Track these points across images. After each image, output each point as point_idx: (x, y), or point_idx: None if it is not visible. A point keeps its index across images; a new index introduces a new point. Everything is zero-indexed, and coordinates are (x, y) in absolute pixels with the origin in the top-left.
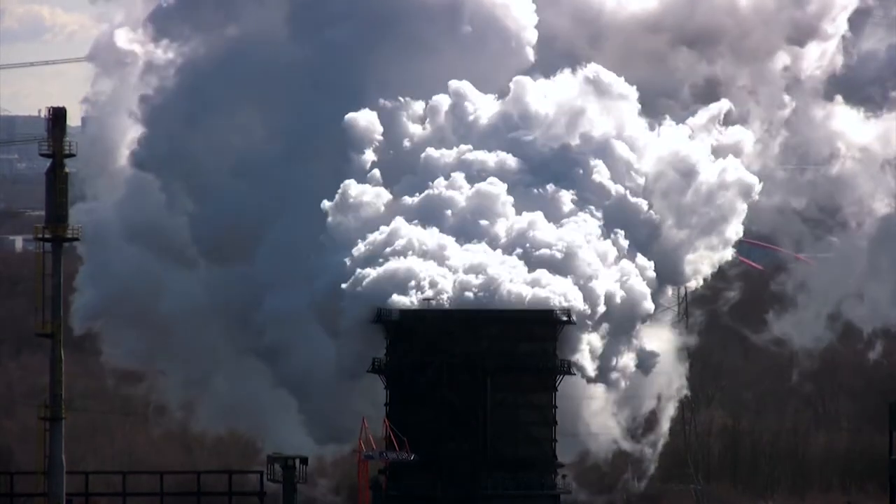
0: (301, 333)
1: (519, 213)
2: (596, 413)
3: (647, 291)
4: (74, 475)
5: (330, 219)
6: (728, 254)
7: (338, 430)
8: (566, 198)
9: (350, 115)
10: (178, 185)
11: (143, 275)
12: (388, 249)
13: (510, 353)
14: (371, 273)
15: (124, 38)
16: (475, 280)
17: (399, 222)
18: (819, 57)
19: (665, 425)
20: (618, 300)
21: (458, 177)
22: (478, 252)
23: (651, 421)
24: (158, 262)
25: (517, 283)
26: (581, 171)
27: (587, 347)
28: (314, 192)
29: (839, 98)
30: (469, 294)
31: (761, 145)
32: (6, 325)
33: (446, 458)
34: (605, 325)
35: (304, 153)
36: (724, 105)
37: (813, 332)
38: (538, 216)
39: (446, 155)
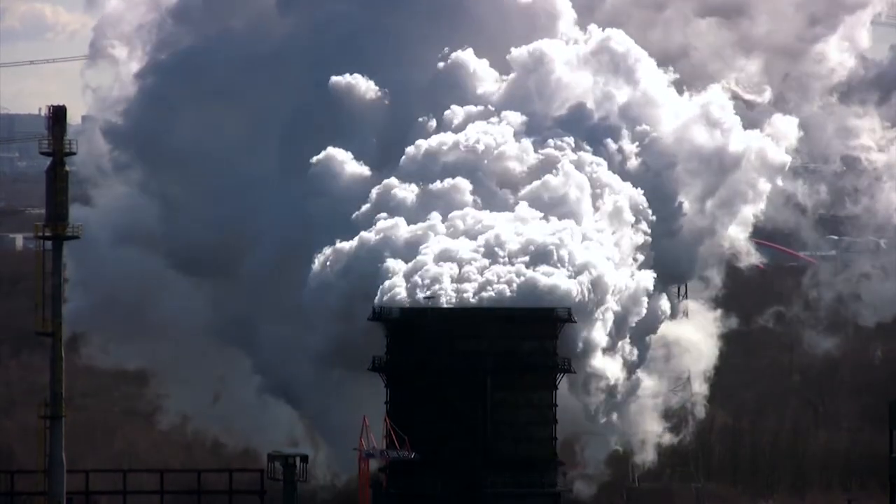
0: (298, 356)
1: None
2: (638, 410)
3: (667, 309)
4: (75, 473)
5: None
6: (743, 238)
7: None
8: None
9: (338, 79)
10: (149, 195)
11: (133, 281)
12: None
13: (510, 352)
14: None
15: (110, 40)
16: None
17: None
18: (840, 59)
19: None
20: (641, 314)
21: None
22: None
23: (688, 409)
24: (149, 267)
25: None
26: (608, 141)
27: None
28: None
29: (859, 103)
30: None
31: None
32: (6, 324)
33: (446, 457)
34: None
35: (292, 162)
36: (766, 95)
37: (823, 331)
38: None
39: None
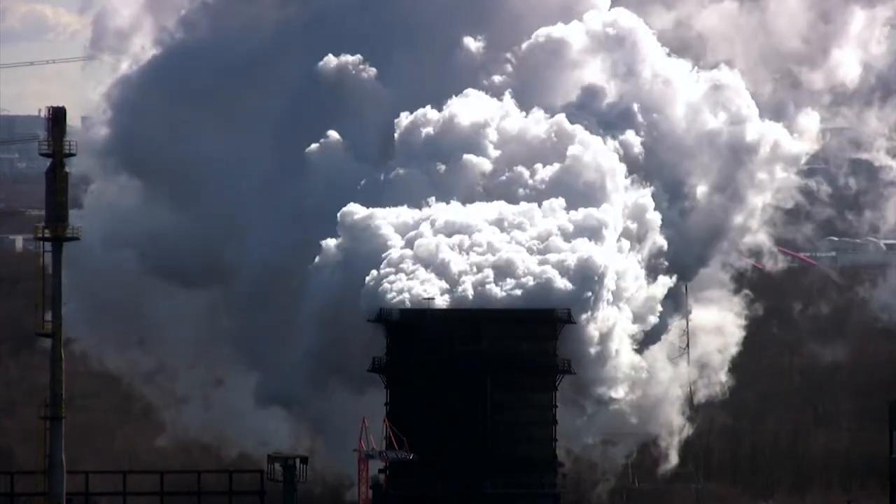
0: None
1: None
2: (659, 403)
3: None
4: (75, 474)
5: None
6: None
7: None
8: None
9: (330, 60)
10: (135, 203)
11: (126, 286)
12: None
13: (510, 353)
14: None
15: (107, 39)
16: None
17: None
18: (849, 64)
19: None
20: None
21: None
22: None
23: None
24: (142, 273)
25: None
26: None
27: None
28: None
29: (867, 107)
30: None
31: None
32: (6, 325)
33: (446, 457)
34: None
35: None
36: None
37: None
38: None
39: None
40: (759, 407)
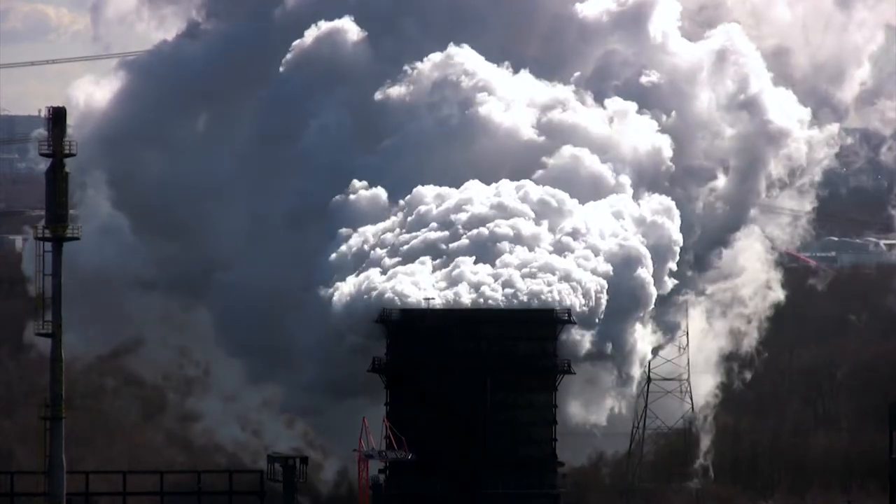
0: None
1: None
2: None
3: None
4: (75, 474)
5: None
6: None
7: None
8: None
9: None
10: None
11: (115, 293)
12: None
13: (510, 353)
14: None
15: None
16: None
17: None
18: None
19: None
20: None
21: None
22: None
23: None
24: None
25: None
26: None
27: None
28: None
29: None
30: None
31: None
32: (6, 325)
33: (446, 457)
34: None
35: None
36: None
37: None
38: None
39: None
40: (759, 407)
